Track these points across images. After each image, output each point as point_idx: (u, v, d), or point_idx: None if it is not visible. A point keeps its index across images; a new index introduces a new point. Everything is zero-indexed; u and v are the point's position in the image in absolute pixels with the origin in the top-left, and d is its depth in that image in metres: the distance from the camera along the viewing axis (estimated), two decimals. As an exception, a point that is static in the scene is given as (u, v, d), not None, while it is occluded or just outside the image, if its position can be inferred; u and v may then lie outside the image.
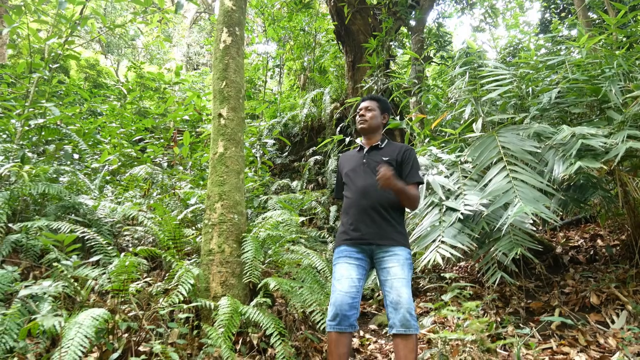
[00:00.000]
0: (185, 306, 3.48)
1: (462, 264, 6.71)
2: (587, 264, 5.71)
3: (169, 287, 3.81)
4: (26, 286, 3.71)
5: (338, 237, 3.47)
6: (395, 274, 3.18)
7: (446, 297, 3.47)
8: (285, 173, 12.03)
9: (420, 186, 4.89)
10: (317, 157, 10.99)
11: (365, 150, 3.61)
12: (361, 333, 4.89)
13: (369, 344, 4.59)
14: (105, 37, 20.15)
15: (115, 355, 3.17)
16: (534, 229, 4.48)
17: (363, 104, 3.74)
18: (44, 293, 3.84)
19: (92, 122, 7.72)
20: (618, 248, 5.80)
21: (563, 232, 7.18)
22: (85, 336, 3.00)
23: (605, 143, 4.20)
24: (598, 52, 5.66)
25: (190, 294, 3.74)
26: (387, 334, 4.81)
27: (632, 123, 4.56)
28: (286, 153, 12.28)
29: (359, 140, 3.88)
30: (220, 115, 4.73)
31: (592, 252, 6.02)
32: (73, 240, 4.00)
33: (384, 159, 3.52)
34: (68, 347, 2.95)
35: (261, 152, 8.69)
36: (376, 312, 5.45)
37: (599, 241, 6.39)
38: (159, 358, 3.14)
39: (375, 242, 3.29)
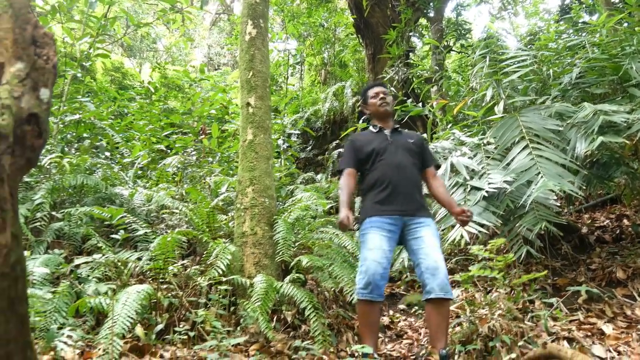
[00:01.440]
0: (224, 279, 3.65)
1: (489, 247, 6.77)
2: (614, 243, 5.76)
3: (207, 264, 3.98)
4: (76, 265, 3.92)
5: (368, 208, 3.56)
6: (429, 243, 3.33)
7: (473, 268, 3.57)
8: (309, 167, 12.18)
9: (445, 167, 5.03)
10: (341, 149, 11.12)
11: (387, 132, 3.77)
12: (390, 312, 5.02)
13: (399, 322, 4.72)
14: (128, 41, 20.49)
15: (160, 327, 3.34)
16: (558, 205, 4.55)
17: (380, 89, 3.90)
18: (88, 275, 4.05)
19: (120, 122, 7.96)
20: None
21: (588, 213, 7.22)
22: (132, 309, 3.18)
23: (627, 119, 4.29)
24: (618, 32, 5.70)
25: (227, 273, 3.90)
26: (416, 312, 4.93)
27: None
28: (310, 147, 12.44)
29: (371, 128, 3.98)
30: (248, 104, 4.90)
31: (618, 232, 6.07)
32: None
33: (410, 141, 3.73)
34: (116, 319, 3.13)
35: (286, 144, 8.86)
36: (404, 293, 5.57)
37: (625, 221, 6.42)
38: (202, 326, 3.32)
39: (410, 213, 3.45)
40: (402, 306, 5.21)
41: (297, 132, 10.55)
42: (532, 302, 4.39)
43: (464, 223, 3.55)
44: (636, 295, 4.44)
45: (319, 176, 10.41)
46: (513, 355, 2.93)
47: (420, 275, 3.35)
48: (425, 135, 6.56)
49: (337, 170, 3.85)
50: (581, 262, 5.38)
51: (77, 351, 3.06)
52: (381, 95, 3.83)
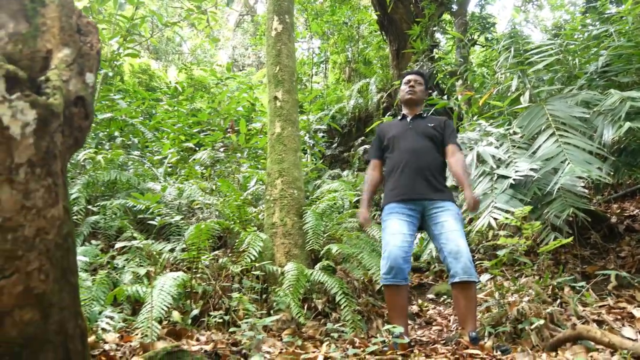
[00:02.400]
0: (256, 265, 3.74)
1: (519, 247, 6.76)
2: (644, 231, 5.73)
3: (239, 252, 4.08)
4: (112, 256, 4.05)
5: (387, 195, 3.65)
6: (450, 227, 3.38)
7: (501, 253, 3.61)
8: (335, 164, 12.23)
9: (472, 157, 5.06)
10: (366, 146, 11.16)
11: (410, 118, 3.85)
12: (419, 301, 5.07)
13: (428, 310, 4.77)
14: (155, 42, 20.80)
15: (195, 312, 3.45)
16: (586, 192, 4.55)
17: (412, 77, 3.97)
18: (124, 266, 4.18)
19: (149, 122, 8.12)
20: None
21: (618, 203, 7.16)
22: (168, 294, 3.29)
23: (654, 105, 4.28)
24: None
25: (258, 260, 4.00)
26: (445, 301, 4.97)
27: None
28: (335, 144, 12.49)
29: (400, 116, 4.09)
30: (275, 97, 5.00)
31: (648, 221, 6.03)
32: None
33: (429, 125, 3.79)
34: (154, 304, 3.24)
35: (313, 140, 8.95)
36: (433, 283, 5.61)
37: (655, 211, 6.37)
38: (235, 312, 3.41)
39: (428, 197, 3.51)
40: (430, 296, 5.25)
41: (323, 127, 10.62)
42: (561, 289, 4.40)
43: (470, 207, 3.56)
44: (667, 282, 4.43)
45: (344, 173, 10.47)
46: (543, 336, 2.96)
47: (444, 260, 3.42)
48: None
49: (366, 160, 4.01)
50: (610, 250, 5.36)
51: (117, 335, 3.17)
52: (411, 83, 3.92)
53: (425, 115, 3.95)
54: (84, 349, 1.73)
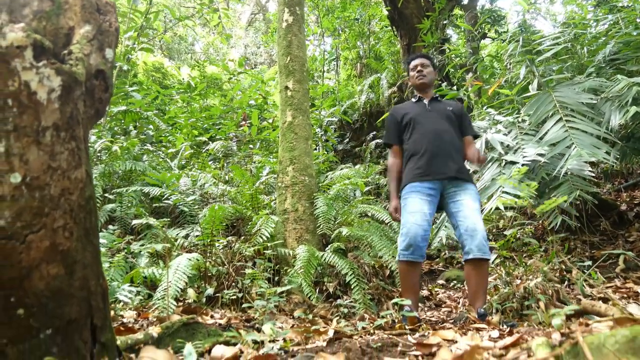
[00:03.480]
0: (268, 244, 3.84)
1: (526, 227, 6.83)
2: (653, 217, 5.77)
3: (252, 233, 4.18)
4: (127, 242, 4.16)
5: (408, 174, 3.70)
6: (468, 205, 3.47)
7: (508, 232, 3.68)
8: (347, 159, 12.32)
9: (481, 144, 5.14)
10: (378, 140, 11.24)
11: (426, 101, 3.92)
12: (429, 286, 5.15)
13: (438, 294, 4.85)
14: (166, 45, 21.01)
15: (209, 291, 3.55)
16: (593, 176, 4.60)
17: (418, 61, 4.05)
18: (140, 251, 4.30)
19: (163, 116, 8.26)
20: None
21: (628, 192, 7.19)
22: (184, 274, 3.39)
23: (661, 90, 4.33)
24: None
25: (270, 241, 4.10)
26: (455, 286, 5.05)
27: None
28: (347, 139, 12.60)
29: (412, 98, 4.16)
30: (286, 87, 5.10)
31: (657, 208, 6.06)
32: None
33: (449, 108, 3.89)
34: (170, 284, 3.34)
35: (324, 131, 9.05)
36: (443, 269, 5.69)
37: (665, 198, 6.40)
38: (248, 291, 3.51)
39: (450, 175, 3.58)
40: (441, 281, 5.33)
41: (335, 119, 10.72)
42: (569, 271, 4.46)
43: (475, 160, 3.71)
44: (675, 265, 4.48)
45: (357, 167, 10.57)
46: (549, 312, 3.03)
47: (459, 237, 3.48)
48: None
49: (384, 143, 4.02)
50: (619, 236, 5.41)
51: (135, 312, 3.28)
52: (419, 68, 3.99)
53: (440, 98, 4.03)
54: (105, 307, 1.83)
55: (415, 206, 3.53)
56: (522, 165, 4.60)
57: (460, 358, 1.05)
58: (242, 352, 1.93)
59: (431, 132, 3.72)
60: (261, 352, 2.00)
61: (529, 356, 1.27)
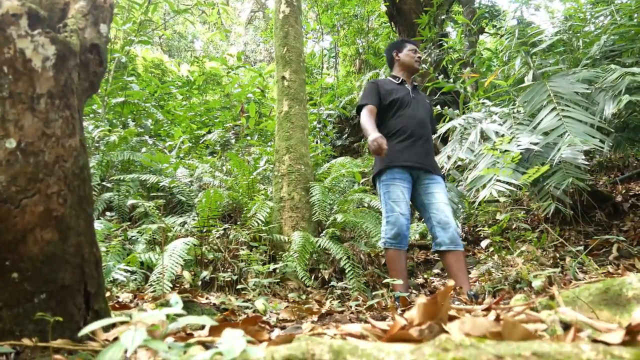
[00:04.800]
0: (263, 228, 3.88)
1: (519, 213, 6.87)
2: (647, 208, 5.81)
3: (247, 217, 4.21)
4: (124, 229, 4.19)
5: (390, 157, 3.67)
6: (440, 198, 3.56)
7: (500, 217, 3.72)
8: (345, 154, 12.37)
9: (475, 134, 5.17)
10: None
11: (409, 87, 3.97)
12: (425, 276, 5.19)
13: (433, 282, 4.89)
14: (166, 41, 21.04)
15: (205, 274, 3.59)
16: (586, 164, 4.64)
17: (417, 48, 4.13)
18: (137, 239, 4.33)
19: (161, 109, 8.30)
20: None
21: (624, 185, 7.22)
22: (179, 256, 3.43)
23: (654, 80, 4.37)
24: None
25: (265, 227, 4.14)
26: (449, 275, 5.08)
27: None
28: (346, 135, 12.63)
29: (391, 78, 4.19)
30: (283, 77, 5.14)
31: (652, 199, 6.10)
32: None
33: (427, 102, 3.99)
34: (166, 266, 3.38)
35: (322, 124, 9.09)
36: (438, 259, 5.72)
37: (660, 189, 6.44)
38: (244, 278, 3.54)
39: (427, 167, 3.65)
40: (436, 270, 5.37)
41: (334, 112, 10.75)
42: (563, 258, 4.50)
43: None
44: (667, 252, 4.52)
45: (357, 162, 10.62)
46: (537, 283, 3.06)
47: (431, 229, 3.58)
48: (457, 111, 6.69)
49: (358, 106, 3.93)
50: (614, 226, 5.45)
51: (131, 294, 3.32)
52: (418, 54, 4.05)
53: (417, 88, 4.11)
54: (98, 276, 1.87)
55: (399, 195, 3.60)
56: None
57: (433, 303, 1.09)
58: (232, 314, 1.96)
59: (417, 119, 3.78)
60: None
61: (508, 311, 1.31)
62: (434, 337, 0.85)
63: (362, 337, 1.19)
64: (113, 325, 1.86)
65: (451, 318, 1.12)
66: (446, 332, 0.99)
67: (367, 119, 3.70)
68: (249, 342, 1.30)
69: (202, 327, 1.75)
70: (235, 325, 1.51)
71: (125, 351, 1.01)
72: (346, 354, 0.83)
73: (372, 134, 3.48)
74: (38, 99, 1.59)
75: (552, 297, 1.29)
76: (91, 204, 1.85)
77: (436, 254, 5.92)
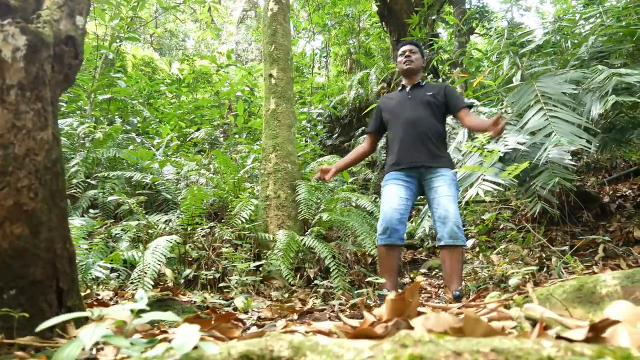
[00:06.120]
0: (247, 225, 3.85)
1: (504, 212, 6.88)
2: (634, 209, 5.82)
3: (232, 215, 4.18)
4: (107, 226, 4.15)
5: (386, 166, 3.78)
6: (442, 192, 3.50)
7: (486, 216, 3.71)
8: (336, 154, 12.35)
9: (463, 134, 5.17)
10: (366, 136, 11.25)
11: (408, 88, 3.94)
12: (420, 278, 5.18)
13: (420, 281, 4.88)
14: (157, 40, 20.96)
15: (187, 272, 3.56)
16: (573, 164, 4.64)
17: (407, 47, 4.07)
18: (120, 236, 4.29)
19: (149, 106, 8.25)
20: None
21: (611, 186, 7.24)
22: (161, 254, 3.39)
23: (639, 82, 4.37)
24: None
25: (250, 226, 4.11)
26: (437, 275, 5.08)
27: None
28: (336, 135, 12.62)
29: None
30: (271, 75, 5.11)
31: (639, 200, 6.11)
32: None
33: (428, 93, 3.89)
34: (148, 264, 3.35)
35: (312, 123, 9.07)
36: (426, 259, 5.72)
37: (646, 190, 6.46)
38: (228, 277, 3.51)
39: (425, 164, 3.62)
40: (423, 270, 5.36)
41: (325, 112, 10.74)
42: (549, 259, 4.50)
43: (497, 132, 3.51)
44: (652, 252, 4.52)
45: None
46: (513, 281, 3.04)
47: (434, 224, 3.54)
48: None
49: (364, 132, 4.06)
50: (600, 227, 5.46)
51: (111, 292, 3.28)
52: (407, 54, 4.01)
53: (423, 83, 4.02)
54: (72, 272, 1.84)
55: (391, 191, 3.59)
56: (504, 153, 4.63)
57: (401, 300, 1.07)
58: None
59: (405, 121, 3.75)
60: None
61: (483, 307, 1.30)
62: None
63: (330, 333, 1.17)
64: (87, 322, 1.83)
65: (423, 315, 1.09)
66: (412, 328, 0.97)
67: (352, 151, 4.15)
68: (218, 338, 1.27)
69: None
70: (208, 322, 1.48)
71: (84, 348, 0.98)
72: (306, 350, 0.81)
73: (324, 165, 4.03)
74: (8, 90, 1.55)
75: (527, 295, 1.27)
76: (64, 198, 1.82)
77: (423, 254, 5.96)
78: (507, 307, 1.22)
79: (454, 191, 3.61)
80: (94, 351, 1.31)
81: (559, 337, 0.85)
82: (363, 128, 11.57)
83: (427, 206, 5.36)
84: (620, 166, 7.45)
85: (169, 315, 1.06)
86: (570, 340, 0.78)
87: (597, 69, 4.69)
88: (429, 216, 5.32)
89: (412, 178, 3.67)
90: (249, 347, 0.82)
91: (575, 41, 5.77)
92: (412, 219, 6.24)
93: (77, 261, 3.45)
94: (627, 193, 6.59)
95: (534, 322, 1.02)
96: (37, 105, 1.63)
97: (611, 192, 6.82)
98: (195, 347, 0.85)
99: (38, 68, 1.63)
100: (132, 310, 1.10)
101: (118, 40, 6.27)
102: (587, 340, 0.81)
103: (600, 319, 0.97)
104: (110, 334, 1.00)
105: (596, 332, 0.83)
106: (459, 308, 1.45)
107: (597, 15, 5.73)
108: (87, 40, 6.51)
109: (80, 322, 1.81)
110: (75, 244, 3.74)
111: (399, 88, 4.09)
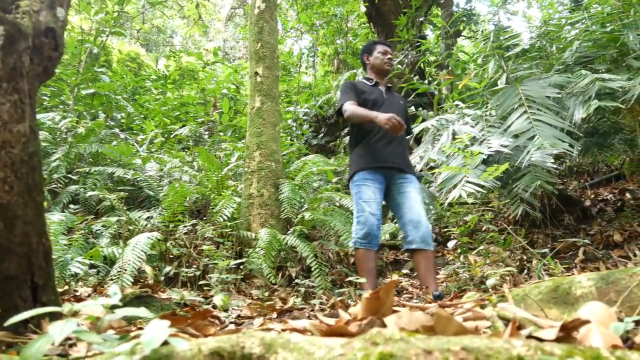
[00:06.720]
0: (229, 223, 3.83)
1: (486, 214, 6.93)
2: (615, 212, 5.88)
3: (214, 212, 4.16)
4: (86, 222, 4.11)
5: (360, 161, 3.72)
6: (413, 198, 3.56)
7: (468, 218, 3.73)
8: (321, 153, 12.34)
9: (447, 135, 5.18)
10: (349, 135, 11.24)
11: (383, 89, 3.96)
12: (395, 276, 5.18)
13: (401, 282, 4.88)
14: (144, 36, 20.83)
15: (168, 269, 3.53)
16: (555, 167, 4.68)
17: (389, 49, 4.10)
18: (101, 232, 4.25)
19: (134, 101, 8.18)
20: (646, 199, 5.94)
21: (592, 190, 7.31)
22: (141, 251, 3.37)
23: (622, 87, 4.41)
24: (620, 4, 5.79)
25: (232, 224, 4.09)
26: (417, 276, 5.09)
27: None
28: (322, 134, 12.62)
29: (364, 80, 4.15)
30: (256, 73, 5.09)
31: (620, 204, 6.17)
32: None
33: (400, 102, 3.96)
34: (128, 260, 3.32)
35: (297, 122, 9.06)
36: (408, 259, 5.72)
37: (627, 194, 6.52)
38: (209, 275, 3.49)
39: (400, 167, 3.64)
40: (405, 271, 5.37)
41: (311, 112, 10.73)
42: (530, 261, 4.53)
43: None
44: (631, 256, 4.56)
45: (331, 161, 10.59)
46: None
47: (403, 227, 3.56)
48: (431, 112, 6.71)
49: (339, 105, 3.85)
50: (581, 230, 5.50)
51: (90, 290, 3.25)
52: (389, 56, 4.03)
53: (392, 90, 4.10)
54: (48, 267, 1.81)
55: (370, 195, 3.60)
56: (487, 155, 4.65)
57: (376, 299, 1.06)
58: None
59: None
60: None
61: (459, 307, 1.30)
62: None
63: (305, 331, 1.16)
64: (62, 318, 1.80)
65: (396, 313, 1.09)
66: (386, 326, 0.96)
67: (356, 108, 3.64)
68: (193, 336, 1.26)
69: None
70: (184, 319, 1.47)
71: (54, 343, 0.96)
72: (277, 347, 0.80)
73: (379, 115, 3.42)
74: (-17, 82, 1.53)
75: (503, 295, 1.27)
76: (41, 192, 1.79)
77: (406, 254, 5.96)
78: (483, 307, 1.22)
79: (422, 198, 3.69)
80: (55, 344, 1.29)
81: (530, 337, 0.85)
82: (348, 129, 11.57)
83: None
84: (602, 170, 7.52)
85: (142, 312, 1.05)
86: (541, 340, 0.78)
87: (581, 74, 4.72)
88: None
89: (385, 179, 3.72)
90: (219, 344, 0.82)
91: (561, 46, 5.82)
92: (395, 220, 6.26)
93: (55, 257, 3.42)
94: (608, 197, 6.65)
95: (507, 321, 1.02)
96: (13, 97, 1.61)
97: (592, 196, 6.88)
98: (167, 343, 0.83)
99: (16, 59, 1.61)
100: (104, 306, 1.08)
101: (103, 35, 6.22)
102: (558, 340, 0.81)
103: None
104: (82, 330, 0.99)
105: (567, 332, 0.83)
106: (435, 308, 1.45)
107: (583, 20, 5.78)
108: (72, 34, 6.46)
109: (56, 318, 1.78)
110: (54, 239, 3.71)
111: (369, 82, 4.02)
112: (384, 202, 3.98)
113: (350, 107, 3.65)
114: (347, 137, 11.05)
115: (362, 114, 3.56)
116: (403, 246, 3.57)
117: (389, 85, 4.09)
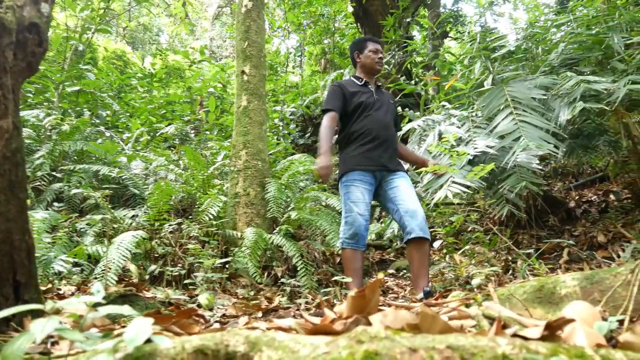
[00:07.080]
0: (214, 222, 3.81)
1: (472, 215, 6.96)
2: (599, 214, 5.93)
3: (199, 211, 4.14)
4: (71, 219, 4.07)
5: (351, 161, 3.71)
6: (406, 190, 3.55)
7: (454, 218, 3.74)
8: (308, 153, 12.34)
9: (433, 136, 5.20)
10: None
11: (373, 88, 3.94)
12: (380, 275, 5.19)
13: (387, 282, 4.89)
14: (130, 34, 20.71)
15: (153, 267, 3.51)
16: (540, 168, 4.71)
17: (380, 48, 4.09)
18: (86, 230, 4.22)
19: (120, 98, 8.13)
20: (629, 200, 6.00)
21: (577, 191, 7.38)
22: (126, 249, 3.34)
23: (607, 89, 4.46)
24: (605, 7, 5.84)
25: (218, 223, 4.07)
26: (404, 275, 5.10)
27: (636, 71, 4.77)
28: (308, 134, 12.61)
29: (354, 79, 4.15)
30: (243, 72, 5.08)
31: (604, 205, 6.23)
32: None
33: (390, 102, 3.96)
34: (112, 259, 3.29)
35: (284, 122, 9.05)
36: (394, 259, 5.74)
37: (611, 196, 6.58)
38: (195, 274, 3.47)
39: (391, 167, 3.65)
40: (391, 270, 5.38)
41: (298, 111, 10.72)
42: (514, 262, 4.56)
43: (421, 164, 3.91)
44: (615, 257, 4.60)
45: (317, 160, 10.57)
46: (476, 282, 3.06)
47: (399, 219, 3.54)
48: (417, 112, 6.73)
49: (322, 109, 3.88)
50: (566, 231, 5.55)
51: (74, 288, 3.22)
52: (380, 55, 4.02)
53: (382, 88, 4.09)
54: (30, 265, 1.79)
55: (358, 195, 3.59)
56: (473, 156, 4.67)
57: (361, 297, 1.06)
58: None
59: (380, 122, 3.77)
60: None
61: (445, 306, 1.30)
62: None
63: (290, 330, 1.15)
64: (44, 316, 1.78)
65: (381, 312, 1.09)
66: (371, 325, 0.96)
67: (325, 131, 3.68)
68: (177, 334, 1.25)
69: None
70: (168, 317, 1.46)
71: (35, 341, 0.95)
72: (262, 345, 0.80)
73: (323, 157, 3.52)
74: (-35, 76, 1.51)
75: (488, 295, 1.28)
76: (24, 189, 1.77)
77: (392, 254, 5.98)
78: (468, 306, 1.23)
79: (414, 190, 3.70)
80: (37, 342, 1.28)
81: (515, 336, 0.86)
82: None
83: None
84: (587, 172, 7.59)
85: (125, 310, 1.04)
86: (526, 339, 0.78)
87: (567, 76, 4.76)
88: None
89: (374, 180, 3.71)
90: (203, 342, 0.81)
91: (546, 48, 5.86)
92: (382, 220, 6.27)
93: (38, 255, 3.39)
94: (592, 198, 6.71)
95: (492, 320, 1.02)
96: (-4, 92, 1.59)
97: (577, 197, 6.94)
98: (150, 341, 0.83)
99: (-2, 54, 1.59)
100: (87, 304, 1.07)
101: (89, 32, 6.16)
102: (543, 338, 0.82)
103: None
104: (65, 328, 0.98)
105: (552, 331, 0.83)
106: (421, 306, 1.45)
107: (568, 23, 5.83)
108: (58, 31, 6.40)
109: (39, 316, 1.76)
110: (37, 237, 3.67)
111: (358, 82, 4.01)
112: (373, 202, 3.98)
113: (323, 126, 3.74)
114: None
115: (320, 142, 3.64)
116: (404, 238, 3.52)
117: (379, 84, 4.08)
